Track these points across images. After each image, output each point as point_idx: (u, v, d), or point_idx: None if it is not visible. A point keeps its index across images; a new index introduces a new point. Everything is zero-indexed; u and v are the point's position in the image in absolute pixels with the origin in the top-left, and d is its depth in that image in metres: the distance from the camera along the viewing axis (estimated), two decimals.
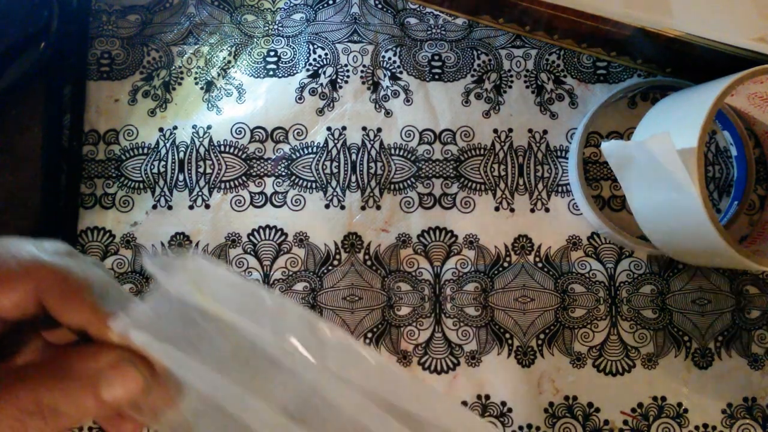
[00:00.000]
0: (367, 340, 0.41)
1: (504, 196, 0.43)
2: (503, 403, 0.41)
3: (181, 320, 0.20)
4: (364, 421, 0.20)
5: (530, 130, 0.44)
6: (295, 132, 0.43)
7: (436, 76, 0.44)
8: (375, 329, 0.42)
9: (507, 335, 0.42)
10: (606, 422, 0.41)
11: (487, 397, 0.41)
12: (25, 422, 0.18)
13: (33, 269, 0.20)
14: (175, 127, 0.43)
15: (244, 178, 0.43)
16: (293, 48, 0.44)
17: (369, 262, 0.42)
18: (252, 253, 0.42)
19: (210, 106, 0.44)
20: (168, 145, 0.43)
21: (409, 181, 0.43)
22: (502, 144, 0.43)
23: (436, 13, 0.45)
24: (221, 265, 0.21)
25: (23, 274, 0.20)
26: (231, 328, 0.20)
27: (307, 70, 0.44)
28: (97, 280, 0.21)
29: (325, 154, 0.43)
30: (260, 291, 0.21)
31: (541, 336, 0.42)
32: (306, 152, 0.43)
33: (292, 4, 0.45)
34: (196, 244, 0.42)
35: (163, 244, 0.42)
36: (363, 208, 0.43)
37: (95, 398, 0.19)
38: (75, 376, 0.19)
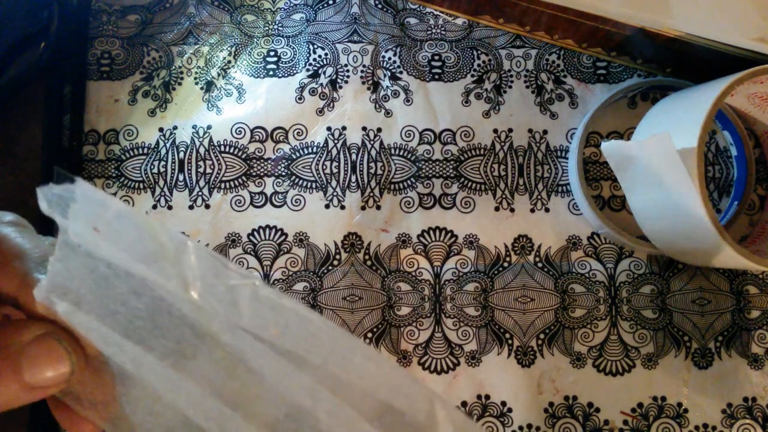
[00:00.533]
0: (367, 340, 0.41)
1: (504, 196, 0.43)
2: (503, 403, 0.41)
3: (92, 279, 0.19)
4: (292, 394, 0.18)
5: (530, 130, 0.44)
6: (295, 132, 0.43)
7: (436, 76, 0.44)
8: (375, 329, 0.42)
9: (507, 335, 0.42)
10: (606, 422, 0.41)
11: (487, 397, 0.41)
12: None
13: None
14: (175, 127, 0.43)
15: (244, 178, 0.43)
16: (293, 48, 0.44)
17: (369, 262, 0.42)
18: (252, 253, 0.42)
19: (210, 106, 0.44)
20: (168, 145, 0.43)
21: (409, 181, 0.43)
22: (502, 144, 0.43)
23: (436, 13, 0.45)
24: (107, 195, 0.19)
25: None
26: (142, 284, 0.19)
27: (307, 70, 0.44)
28: (40, 251, 0.20)
29: (325, 154, 0.43)
30: (156, 229, 0.19)
31: (541, 336, 0.42)
32: (306, 152, 0.43)
33: (292, 4, 0.45)
34: None
35: None
36: (363, 208, 0.43)
37: (17, 380, 0.18)
38: None
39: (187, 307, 0.18)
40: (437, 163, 0.43)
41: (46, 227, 0.40)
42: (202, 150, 0.43)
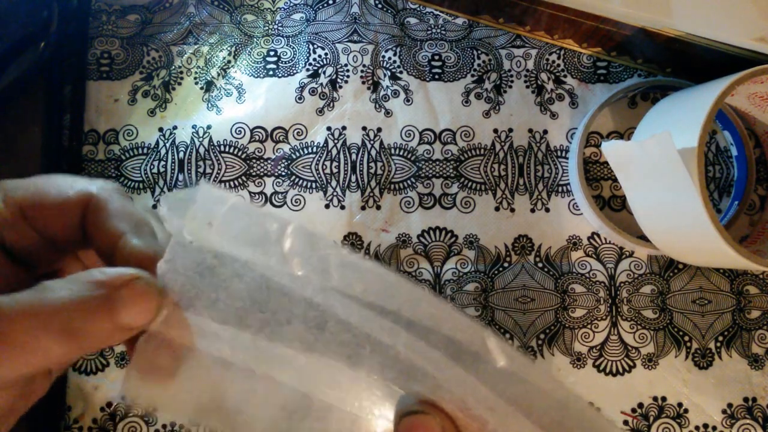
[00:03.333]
0: None
1: (504, 196, 0.43)
2: None
3: (197, 272, 0.21)
4: (375, 334, 0.21)
5: (530, 130, 0.44)
6: (295, 132, 0.43)
7: (436, 76, 0.44)
8: None
9: (507, 335, 0.42)
10: None
11: None
12: (38, 337, 0.18)
13: (83, 197, 0.22)
14: (175, 127, 0.43)
15: (243, 178, 0.43)
16: (293, 48, 0.44)
17: None
18: None
19: (210, 105, 0.44)
20: (168, 145, 0.43)
21: (409, 181, 0.43)
22: (503, 144, 0.43)
23: (436, 12, 0.45)
24: (226, 192, 0.22)
25: (75, 201, 0.22)
26: (245, 266, 0.21)
27: (307, 69, 0.44)
28: (138, 216, 0.22)
29: (325, 154, 0.43)
30: (264, 216, 0.22)
31: (542, 336, 0.42)
32: (306, 152, 0.43)
33: (292, 4, 0.45)
34: None
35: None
36: (363, 208, 0.43)
37: (111, 320, 0.19)
38: (92, 291, 0.19)
39: (285, 279, 0.21)
40: (437, 163, 0.43)
41: None
42: (201, 150, 0.43)
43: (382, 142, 0.43)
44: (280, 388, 0.22)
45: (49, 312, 0.19)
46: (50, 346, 0.18)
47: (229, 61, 0.44)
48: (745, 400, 0.41)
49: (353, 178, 0.43)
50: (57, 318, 0.19)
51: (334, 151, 0.43)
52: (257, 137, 0.43)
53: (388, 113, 0.44)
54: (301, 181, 0.43)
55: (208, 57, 0.44)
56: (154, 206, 0.42)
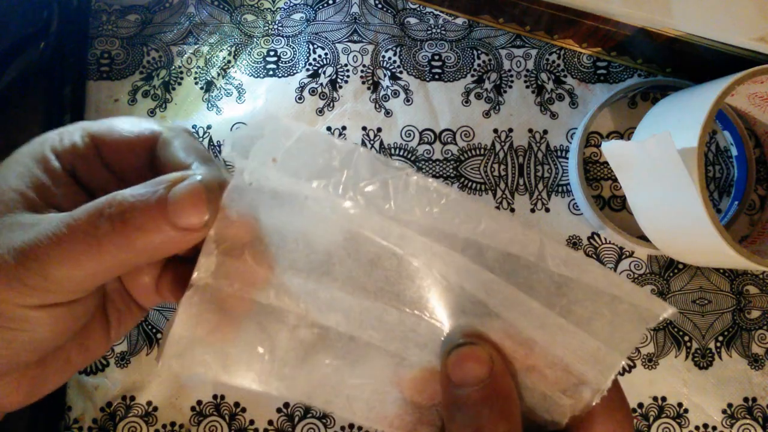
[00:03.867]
0: None
1: (504, 196, 0.43)
2: None
3: (253, 217, 0.21)
4: (428, 264, 0.21)
5: (530, 130, 0.44)
6: None
7: (436, 76, 0.44)
8: None
9: None
10: None
11: None
12: (96, 226, 0.19)
13: (151, 135, 0.24)
14: None
15: None
16: (293, 48, 0.44)
17: None
18: None
19: (210, 105, 0.44)
20: None
21: None
22: (502, 144, 0.43)
23: (436, 12, 0.45)
24: (295, 122, 0.22)
25: (145, 138, 0.23)
26: (303, 205, 0.21)
27: (307, 69, 0.44)
28: (201, 155, 0.23)
29: None
30: (331, 144, 0.21)
31: None
32: None
33: (292, 4, 0.45)
34: None
35: None
36: None
37: (161, 211, 0.19)
38: (147, 186, 0.20)
39: (340, 213, 0.21)
40: (437, 163, 0.43)
41: None
42: None
43: (382, 142, 0.43)
44: (327, 333, 0.22)
45: (104, 198, 0.19)
46: (98, 230, 0.19)
47: (229, 61, 0.44)
48: (745, 400, 0.41)
49: None
50: (107, 202, 0.19)
51: None
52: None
53: (388, 113, 0.44)
54: None
55: (208, 57, 0.44)
56: None
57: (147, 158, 0.23)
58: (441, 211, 0.21)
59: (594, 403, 0.21)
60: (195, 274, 0.21)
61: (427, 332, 0.22)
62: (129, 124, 0.24)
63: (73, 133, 0.23)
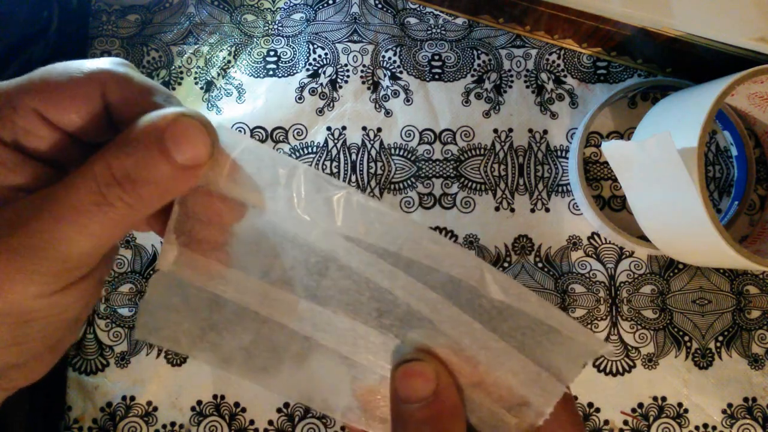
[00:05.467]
0: None
1: (504, 196, 0.43)
2: None
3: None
4: (375, 279, 0.22)
5: (530, 130, 0.44)
6: (295, 132, 0.43)
7: (436, 76, 0.44)
8: None
9: None
10: (606, 422, 0.41)
11: None
12: (104, 194, 0.18)
13: (97, 75, 0.20)
14: None
15: None
16: (293, 48, 0.44)
17: None
18: None
19: (210, 105, 0.44)
20: None
21: (409, 181, 0.43)
22: (502, 144, 0.43)
23: (436, 12, 0.45)
24: (240, 134, 0.22)
25: (88, 80, 0.20)
26: (252, 211, 0.22)
27: (307, 69, 0.44)
28: (159, 87, 0.21)
29: (325, 154, 0.43)
30: (275, 159, 0.22)
31: None
32: (306, 152, 0.43)
33: (292, 4, 0.45)
34: None
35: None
36: None
37: (167, 159, 0.18)
38: (139, 138, 0.19)
39: (290, 223, 0.22)
40: (437, 163, 0.43)
41: None
42: None
43: (382, 142, 0.43)
44: (282, 330, 0.23)
45: (99, 166, 0.18)
46: (108, 198, 0.18)
47: (229, 61, 0.44)
48: (745, 400, 0.41)
49: (353, 178, 0.43)
50: (105, 168, 0.18)
51: (334, 151, 0.43)
52: (257, 137, 0.43)
53: (388, 113, 0.44)
54: None
55: (208, 57, 0.44)
56: None
57: (99, 102, 0.20)
58: (384, 230, 0.22)
59: (538, 425, 0.22)
60: (159, 262, 0.22)
61: (378, 342, 0.23)
62: (66, 76, 0.20)
63: (4, 107, 0.20)
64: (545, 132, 0.44)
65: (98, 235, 0.19)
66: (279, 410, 0.41)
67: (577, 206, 0.43)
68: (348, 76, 0.44)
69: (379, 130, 0.43)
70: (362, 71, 0.44)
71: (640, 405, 0.41)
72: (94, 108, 0.20)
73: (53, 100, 0.20)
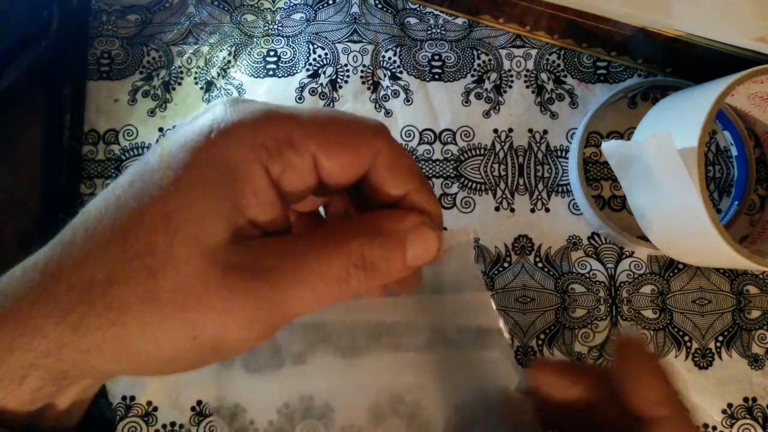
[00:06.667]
0: None
1: (504, 196, 0.43)
2: None
3: None
4: None
5: (530, 130, 0.44)
6: None
7: (436, 76, 0.44)
8: None
9: (508, 336, 0.42)
10: None
11: None
12: (349, 273, 0.19)
13: (379, 136, 0.21)
14: (175, 127, 0.43)
15: None
16: (293, 48, 0.44)
17: None
18: None
19: None
20: None
21: None
22: (502, 144, 0.43)
23: (436, 12, 0.45)
24: None
25: (368, 144, 0.20)
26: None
27: (307, 70, 0.44)
28: (419, 174, 0.22)
29: None
30: None
31: (542, 336, 0.42)
32: None
33: (292, 4, 0.45)
34: None
35: None
36: None
37: (402, 258, 0.20)
38: (390, 233, 0.20)
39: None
40: (437, 163, 0.43)
41: (46, 227, 0.39)
42: None
43: None
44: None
45: (354, 247, 0.19)
46: (350, 278, 0.19)
47: (229, 61, 0.44)
48: (745, 400, 0.41)
49: None
50: (359, 253, 0.19)
51: None
52: None
53: (388, 113, 0.44)
54: None
55: (208, 57, 0.44)
56: None
57: (364, 171, 0.21)
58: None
59: None
60: None
61: None
62: (352, 128, 0.20)
63: (285, 143, 0.19)
64: (545, 132, 0.44)
65: (323, 304, 0.19)
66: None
67: (577, 206, 0.43)
68: (348, 76, 0.44)
69: None
70: (362, 71, 0.44)
71: None
72: (360, 170, 0.21)
73: (332, 152, 0.20)
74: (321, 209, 0.25)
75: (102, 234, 0.18)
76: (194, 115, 0.20)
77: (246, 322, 0.18)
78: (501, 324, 0.23)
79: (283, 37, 0.45)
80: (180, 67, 0.44)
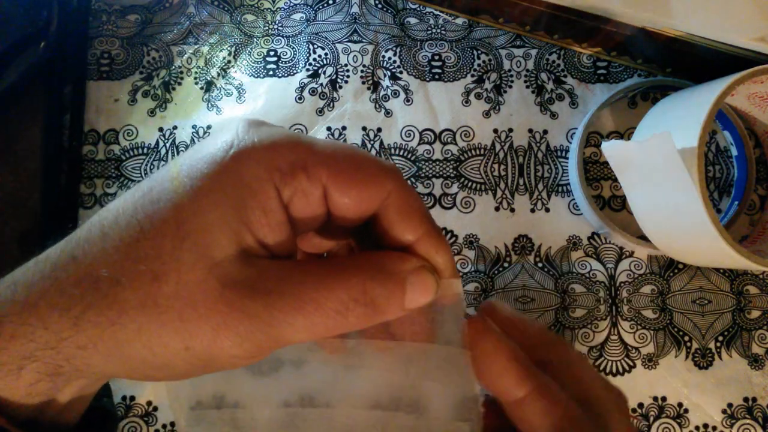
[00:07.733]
0: None
1: (504, 196, 0.43)
2: None
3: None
4: None
5: (530, 130, 0.44)
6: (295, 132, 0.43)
7: (436, 76, 0.44)
8: None
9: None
10: None
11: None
12: (348, 307, 0.19)
13: (391, 177, 0.21)
14: (175, 127, 0.43)
15: None
16: (293, 48, 0.44)
17: None
18: None
19: (210, 106, 0.44)
20: (168, 145, 0.43)
21: (409, 181, 0.43)
22: (502, 144, 0.43)
23: (436, 13, 0.45)
24: None
25: (380, 184, 0.20)
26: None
27: (307, 70, 0.44)
28: (428, 218, 0.22)
29: None
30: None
31: None
32: None
33: (292, 4, 0.45)
34: None
35: None
36: None
37: (401, 298, 0.20)
38: (392, 273, 0.20)
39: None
40: (437, 163, 0.43)
41: (46, 227, 0.39)
42: None
43: (382, 142, 0.43)
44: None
45: (355, 282, 0.19)
46: (348, 313, 0.19)
47: (229, 61, 0.44)
48: (745, 400, 0.41)
49: None
50: (360, 288, 0.19)
51: None
52: None
53: (388, 113, 0.44)
54: None
55: (208, 57, 0.44)
56: None
57: (374, 210, 0.21)
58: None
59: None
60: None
61: None
62: (364, 165, 0.20)
63: (299, 167, 0.19)
64: (545, 132, 0.44)
65: (317, 335, 0.19)
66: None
67: (577, 206, 0.43)
68: (348, 76, 0.44)
69: (379, 130, 0.43)
70: (362, 71, 0.44)
71: (641, 405, 0.41)
72: (370, 208, 0.20)
73: (343, 184, 0.20)
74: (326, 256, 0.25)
75: (116, 234, 0.18)
76: (216, 131, 0.21)
77: (237, 339, 0.18)
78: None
79: (283, 37, 0.45)
80: (180, 67, 0.44)
